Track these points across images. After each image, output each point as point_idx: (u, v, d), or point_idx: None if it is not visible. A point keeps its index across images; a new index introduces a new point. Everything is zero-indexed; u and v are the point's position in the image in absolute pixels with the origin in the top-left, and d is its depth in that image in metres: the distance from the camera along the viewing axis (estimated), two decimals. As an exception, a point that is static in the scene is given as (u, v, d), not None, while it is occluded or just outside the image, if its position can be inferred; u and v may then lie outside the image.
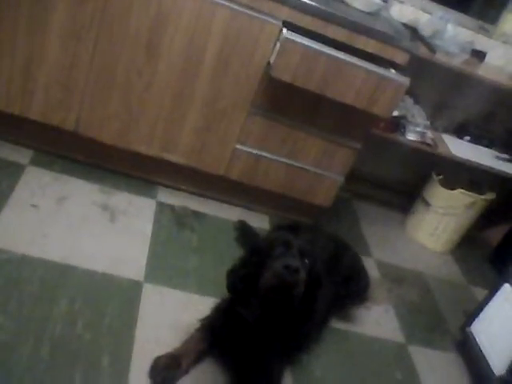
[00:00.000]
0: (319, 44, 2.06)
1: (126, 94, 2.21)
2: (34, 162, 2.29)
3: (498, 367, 1.99)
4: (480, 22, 2.85)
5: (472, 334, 2.19)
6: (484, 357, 2.08)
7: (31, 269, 1.81)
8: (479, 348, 2.12)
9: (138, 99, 2.23)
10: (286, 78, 2.10)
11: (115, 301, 1.83)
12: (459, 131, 3.05)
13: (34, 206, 2.08)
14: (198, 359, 1.73)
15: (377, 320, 2.26)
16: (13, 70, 2.13)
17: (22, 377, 1.48)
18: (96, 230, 2.10)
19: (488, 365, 2.04)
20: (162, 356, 1.66)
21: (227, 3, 2.05)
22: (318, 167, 2.48)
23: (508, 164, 2.93)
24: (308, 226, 2.49)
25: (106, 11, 2.04)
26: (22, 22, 2.03)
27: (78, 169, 2.36)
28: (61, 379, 1.51)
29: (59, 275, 1.84)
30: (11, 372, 1.48)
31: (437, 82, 2.88)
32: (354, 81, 2.11)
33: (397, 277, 2.61)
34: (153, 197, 2.42)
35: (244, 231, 2.42)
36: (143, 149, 2.35)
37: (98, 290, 1.85)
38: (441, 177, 2.91)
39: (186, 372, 1.67)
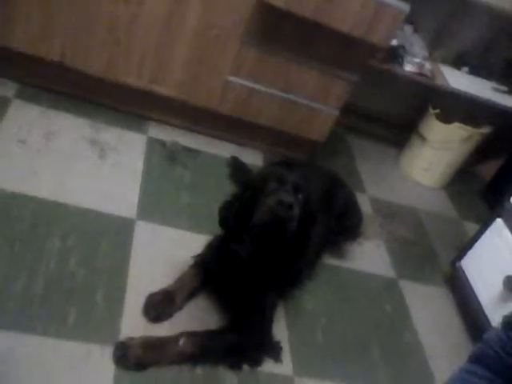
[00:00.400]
0: (315, -33, 1.94)
1: (111, 22, 2.10)
2: (21, 96, 2.22)
3: (486, 301, 2.04)
4: None
5: (462, 269, 2.22)
6: (473, 291, 2.12)
7: (22, 206, 1.79)
8: (469, 282, 2.16)
9: (125, 29, 2.12)
10: (280, 3, 2.00)
11: (108, 238, 1.83)
12: (458, 62, 2.96)
13: (21, 141, 2.03)
14: (191, 295, 1.75)
15: (368, 255, 2.29)
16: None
17: (16, 313, 1.49)
18: (86, 167, 2.07)
19: (477, 299, 2.08)
20: (156, 292, 1.68)
21: None
22: (312, 100, 2.41)
23: (506, 96, 2.86)
24: (302, 162, 2.46)
25: None
26: None
27: (67, 103, 2.29)
28: (55, 315, 1.53)
29: (50, 212, 1.82)
30: (5, 309, 1.49)
31: (437, 9, 2.77)
32: (352, 6, 2.01)
33: (389, 212, 2.62)
34: (144, 132, 2.37)
35: (237, 167, 2.39)
36: (132, 80, 2.27)
37: (90, 227, 1.84)
38: (437, 110, 2.85)
39: (180, 308, 1.70)
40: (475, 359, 1.33)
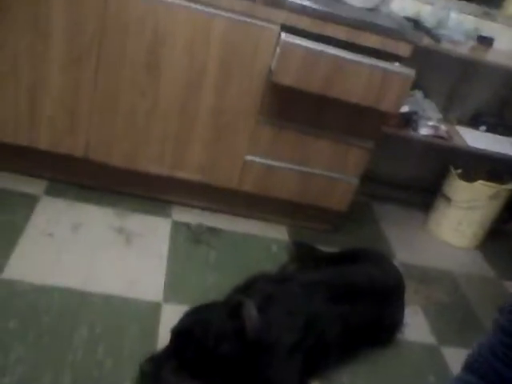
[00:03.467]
0: (319, 44, 2.02)
1: (131, 115, 2.20)
2: (48, 192, 2.30)
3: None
4: (484, 8, 2.78)
5: (507, 329, 2.09)
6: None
7: (49, 298, 1.80)
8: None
9: (144, 119, 2.22)
10: (288, 81, 2.07)
11: (135, 324, 1.80)
12: (474, 121, 2.98)
13: (49, 234, 2.08)
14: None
15: (406, 323, 2.18)
16: (17, 102, 2.14)
17: (44, 408, 1.46)
18: (112, 254, 2.09)
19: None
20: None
21: (223, 13, 2.03)
22: (331, 171, 2.43)
23: (526, 150, 2.84)
24: (368, 255, 2.19)
25: (104, 35, 2.04)
26: (22, 51, 2.04)
27: (92, 194, 2.36)
28: (84, 408, 1.49)
29: (77, 302, 1.82)
30: (33, 404, 1.46)
31: (446, 72, 2.83)
32: (359, 78, 2.07)
33: (423, 277, 2.52)
34: (167, 216, 2.40)
35: (300, 249, 2.38)
36: (154, 169, 2.34)
37: (117, 314, 1.83)
38: (459, 170, 2.83)
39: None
40: (465, 367, 1.25)
